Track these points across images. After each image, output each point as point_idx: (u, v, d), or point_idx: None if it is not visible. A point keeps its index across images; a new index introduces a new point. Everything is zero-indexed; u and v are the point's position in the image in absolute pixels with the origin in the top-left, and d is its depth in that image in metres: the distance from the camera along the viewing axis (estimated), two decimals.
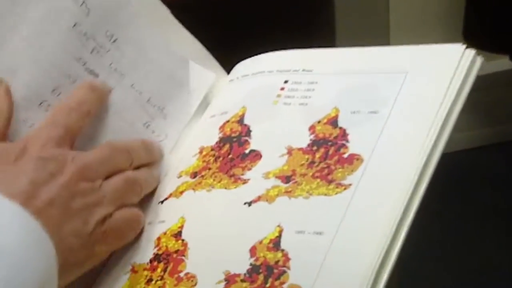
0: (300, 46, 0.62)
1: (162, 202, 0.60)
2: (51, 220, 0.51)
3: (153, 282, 0.55)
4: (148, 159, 0.61)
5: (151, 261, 0.56)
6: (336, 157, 0.54)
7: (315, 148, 0.56)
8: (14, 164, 0.54)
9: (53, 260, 0.47)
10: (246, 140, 0.59)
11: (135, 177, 0.58)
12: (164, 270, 0.55)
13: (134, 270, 0.57)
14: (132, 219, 0.58)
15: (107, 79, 0.60)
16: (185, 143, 0.63)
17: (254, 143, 0.59)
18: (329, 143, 0.55)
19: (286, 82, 0.61)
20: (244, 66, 0.65)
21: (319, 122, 0.57)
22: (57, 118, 0.57)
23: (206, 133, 0.62)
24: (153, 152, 0.62)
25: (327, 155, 0.55)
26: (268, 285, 0.50)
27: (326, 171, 0.54)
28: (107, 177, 0.56)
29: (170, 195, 0.60)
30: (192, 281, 0.53)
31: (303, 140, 0.57)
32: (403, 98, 0.54)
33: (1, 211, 0.46)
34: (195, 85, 0.62)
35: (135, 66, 0.60)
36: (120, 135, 0.60)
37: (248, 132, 0.60)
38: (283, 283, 0.50)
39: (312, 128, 0.57)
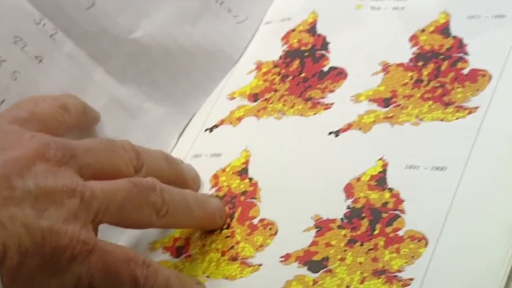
0: None
1: (210, 129, 0.53)
2: None
3: (217, 231, 0.48)
4: (171, 174, 0.49)
5: None
6: (451, 74, 0.48)
7: (420, 63, 0.49)
8: None
9: None
10: (323, 55, 0.53)
11: (153, 184, 0.45)
12: (231, 217, 0.48)
13: None
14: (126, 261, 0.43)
15: None
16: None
17: (334, 59, 0.52)
18: (440, 57, 0.49)
19: None
20: None
21: (423, 30, 0.50)
22: (20, 103, 0.48)
23: (263, 44, 0.55)
24: (174, 163, 0.49)
25: (439, 71, 0.49)
26: (376, 232, 0.44)
27: (439, 91, 0.48)
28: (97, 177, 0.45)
29: (223, 121, 0.53)
30: (270, 229, 0.47)
31: (403, 53, 0.50)
32: None
33: None
34: None
35: None
36: (188, 15, 0.53)
37: (325, 45, 0.53)
38: (397, 229, 0.44)
39: (413, 39, 0.50)
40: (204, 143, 0.52)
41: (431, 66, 0.49)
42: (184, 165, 0.50)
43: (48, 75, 0.52)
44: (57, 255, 0.41)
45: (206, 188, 0.50)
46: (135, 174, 0.46)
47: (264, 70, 0.54)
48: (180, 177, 0.49)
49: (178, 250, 0.48)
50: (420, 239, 0.43)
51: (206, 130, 0.53)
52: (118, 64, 0.53)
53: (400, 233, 0.44)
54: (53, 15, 0.52)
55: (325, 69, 0.52)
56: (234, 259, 0.47)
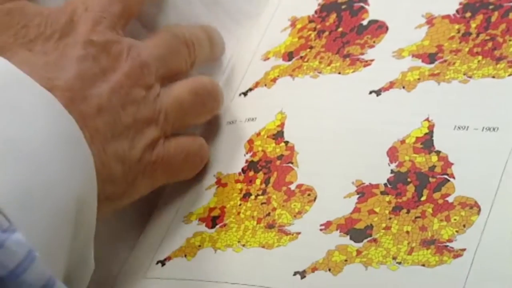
0: None
1: (245, 93, 0.51)
2: (96, 135, 0.43)
3: (253, 197, 0.46)
4: (210, 56, 0.51)
5: (244, 170, 0.47)
6: (503, 26, 0.45)
7: (468, 14, 0.47)
8: (57, 43, 0.44)
9: (93, 182, 0.41)
10: (362, 7, 0.50)
11: (207, 87, 0.49)
12: (266, 182, 0.46)
13: (221, 183, 0.48)
14: (192, 151, 0.48)
15: None
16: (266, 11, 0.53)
17: (373, 11, 0.49)
18: (490, 7, 0.46)
19: None
20: None
21: None
22: None
23: None
24: (217, 47, 0.52)
25: (489, 23, 0.46)
26: (423, 198, 0.42)
27: (490, 44, 0.45)
28: (164, 80, 0.47)
29: (257, 84, 0.50)
30: (309, 195, 0.45)
31: (449, 4, 0.47)
32: None
33: (39, 107, 0.39)
34: None
35: None
36: None
37: None
38: (446, 195, 0.41)
39: None
40: (239, 108, 0.50)
41: (480, 17, 0.46)
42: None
43: None
44: (133, 178, 0.45)
45: (241, 154, 0.48)
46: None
47: (299, 26, 0.51)
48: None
49: (213, 220, 0.46)
50: (471, 206, 0.40)
51: (240, 94, 0.51)
52: (148, 14, 0.51)
53: (450, 199, 0.41)
54: None
55: (364, 22, 0.49)
56: (270, 226, 0.45)
